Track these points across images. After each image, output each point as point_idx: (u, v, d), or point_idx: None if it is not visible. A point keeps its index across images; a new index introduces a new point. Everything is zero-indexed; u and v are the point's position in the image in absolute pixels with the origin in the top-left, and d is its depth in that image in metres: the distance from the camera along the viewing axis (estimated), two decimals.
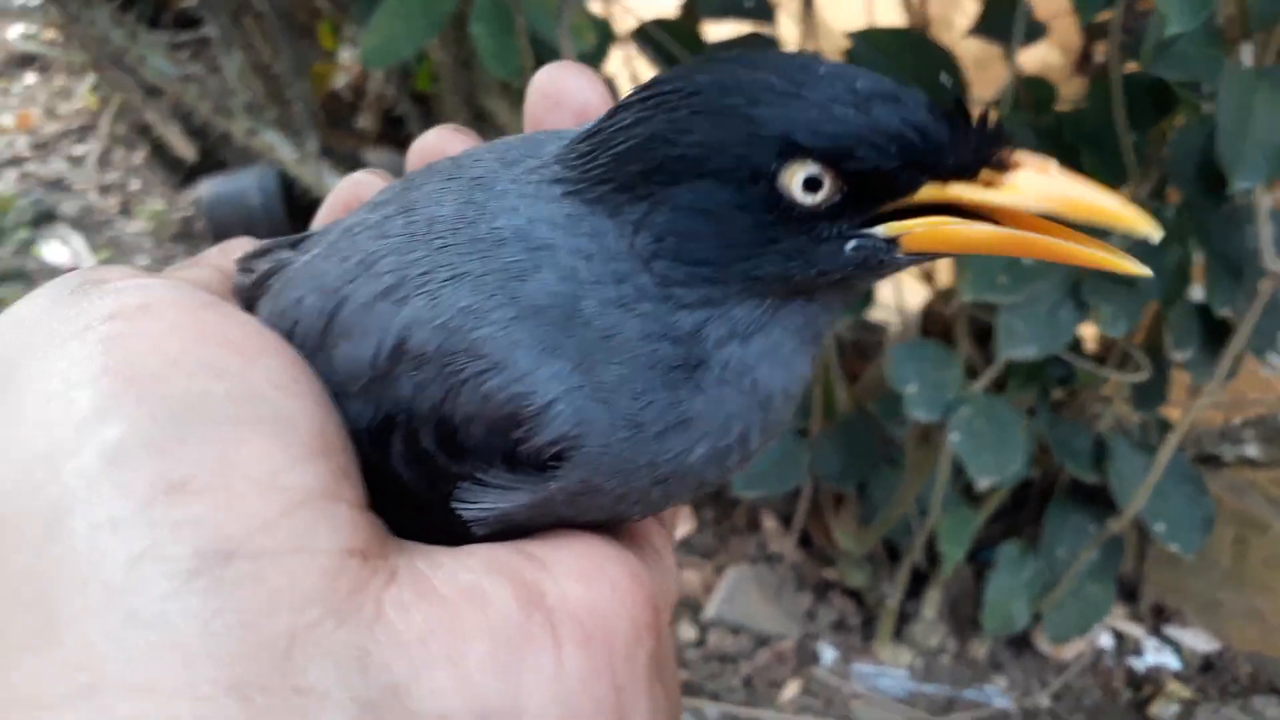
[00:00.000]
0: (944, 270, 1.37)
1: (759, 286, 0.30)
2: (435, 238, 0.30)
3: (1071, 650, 1.35)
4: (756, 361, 0.30)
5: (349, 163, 1.63)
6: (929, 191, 0.28)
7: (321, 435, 0.27)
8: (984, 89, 1.54)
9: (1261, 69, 0.87)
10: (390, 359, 0.29)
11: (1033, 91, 1.13)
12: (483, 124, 1.18)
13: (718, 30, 1.22)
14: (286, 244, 0.36)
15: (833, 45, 1.04)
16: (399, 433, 0.29)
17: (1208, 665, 1.42)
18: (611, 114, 0.31)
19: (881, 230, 0.29)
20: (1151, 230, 0.27)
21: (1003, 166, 0.28)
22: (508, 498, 0.30)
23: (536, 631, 0.26)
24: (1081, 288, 0.95)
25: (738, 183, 0.28)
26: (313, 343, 0.30)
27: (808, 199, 0.28)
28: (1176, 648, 1.43)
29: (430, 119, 1.23)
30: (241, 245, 0.38)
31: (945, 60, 1.01)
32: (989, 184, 0.28)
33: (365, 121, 1.41)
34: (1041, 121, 1.11)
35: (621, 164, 0.29)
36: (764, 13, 1.14)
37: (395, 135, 1.47)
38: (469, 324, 0.29)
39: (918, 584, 1.30)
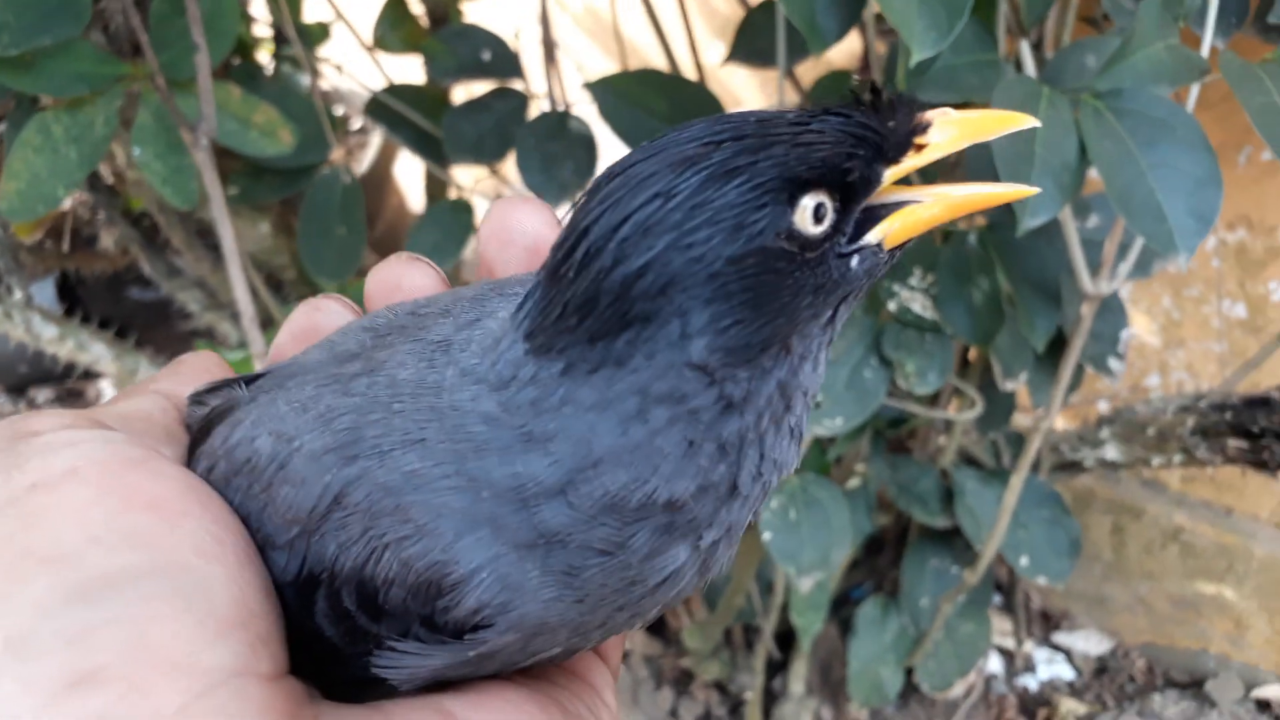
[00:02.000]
0: None
1: (787, 342, 0.29)
2: (394, 400, 0.29)
3: (961, 686, 1.24)
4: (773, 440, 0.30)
5: (114, 288, 1.42)
6: (888, 177, 0.29)
7: (240, 603, 0.26)
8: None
9: (1048, 74, 0.74)
10: (326, 511, 0.28)
11: (833, 90, 0.99)
12: (207, 238, 1.00)
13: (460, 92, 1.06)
14: (241, 380, 0.35)
15: (583, 96, 0.88)
16: (322, 590, 0.29)
17: (1102, 668, 1.32)
18: (565, 253, 0.27)
19: (873, 237, 0.29)
20: (1031, 121, 0.30)
21: (924, 129, 0.29)
22: (425, 662, 0.28)
23: None
24: (882, 341, 0.81)
25: (757, 250, 0.27)
26: (260, 485, 0.30)
27: (818, 229, 0.28)
28: (1068, 655, 1.33)
29: (156, 237, 1.05)
30: (200, 363, 0.37)
31: (701, 95, 0.86)
32: (920, 148, 0.29)
33: (108, 241, 1.21)
34: None
35: (624, 298, 0.26)
36: (508, 68, 0.98)
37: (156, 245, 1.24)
38: (407, 487, 0.28)
39: (786, 651, 1.17)
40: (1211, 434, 1.04)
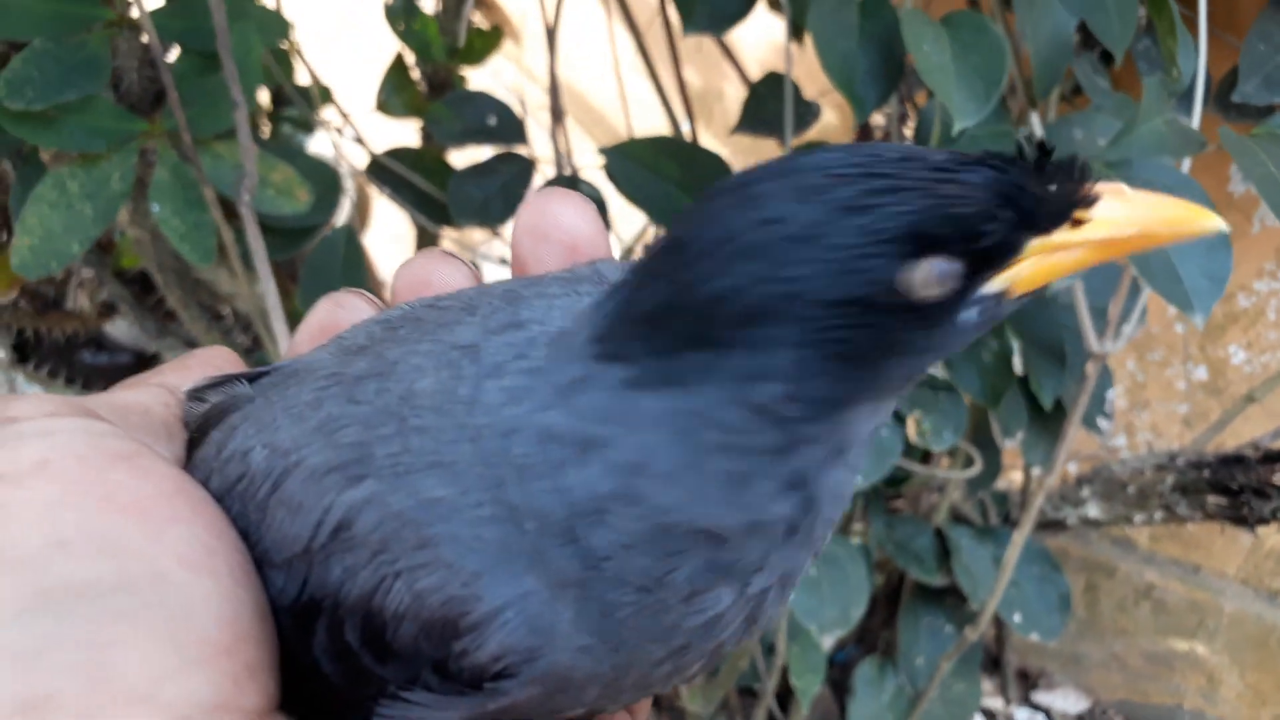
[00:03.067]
0: None
1: (873, 396, 0.26)
2: (412, 414, 0.26)
3: None
4: (839, 481, 0.27)
5: (67, 350, 1.38)
6: (1034, 246, 0.25)
7: (231, 624, 0.23)
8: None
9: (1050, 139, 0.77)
10: (328, 540, 0.25)
11: None
12: (200, 292, 0.98)
13: (463, 156, 1.06)
14: (247, 376, 0.31)
15: (591, 162, 0.89)
16: (323, 620, 0.25)
17: None
18: (659, 258, 0.25)
19: (996, 285, 0.25)
20: (1220, 224, 0.26)
21: (1088, 203, 0.25)
22: (435, 715, 0.25)
23: None
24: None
25: (857, 302, 0.24)
26: (255, 505, 0.26)
27: (936, 292, 0.24)
28: (1048, 714, 1.34)
29: (145, 297, 1.02)
30: (211, 358, 0.33)
31: (714, 162, 0.88)
32: (1078, 222, 0.25)
33: (82, 300, 1.18)
34: None
35: (706, 317, 0.24)
36: (514, 133, 0.99)
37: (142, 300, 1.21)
38: (430, 518, 0.24)
39: (782, 716, 1.16)
40: (1191, 491, 1.08)
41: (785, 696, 1.16)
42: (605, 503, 0.24)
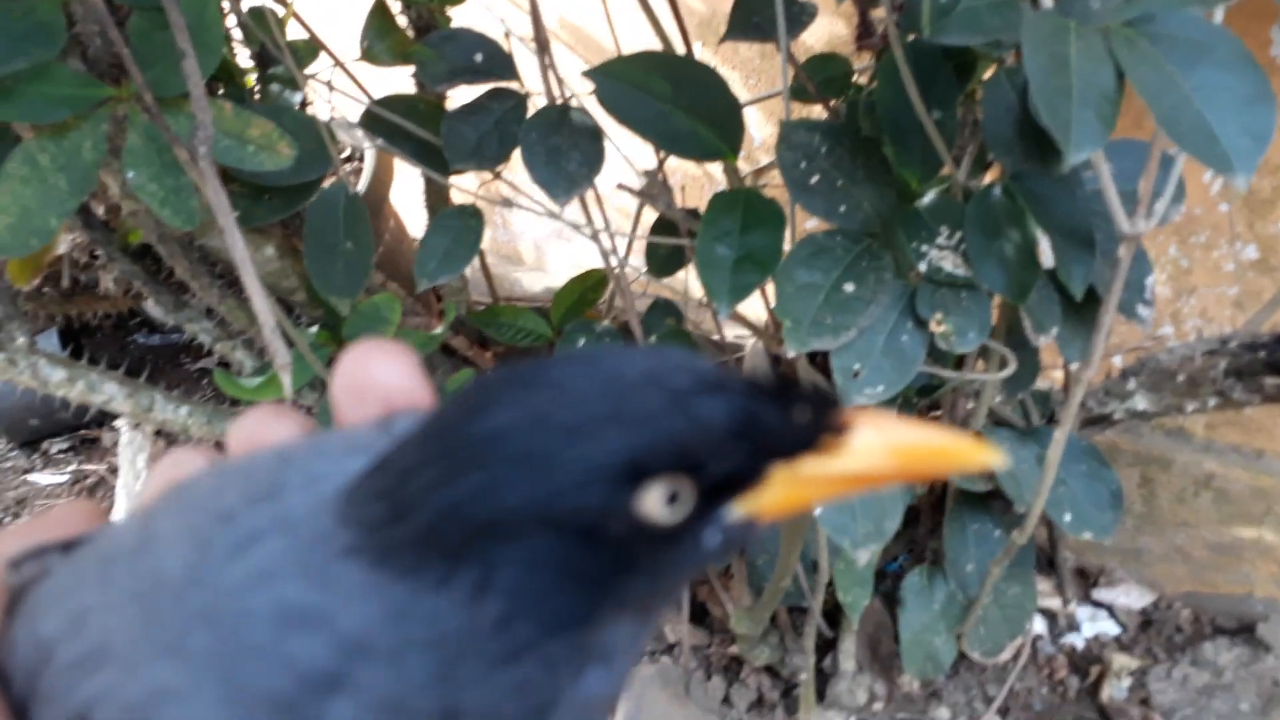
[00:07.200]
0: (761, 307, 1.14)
1: (618, 612, 0.24)
2: (157, 595, 0.24)
3: (1009, 649, 1.17)
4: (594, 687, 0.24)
5: (118, 334, 1.36)
6: (778, 473, 0.23)
7: None
8: (770, 81, 1.34)
9: (1062, 7, 0.67)
10: None
11: (819, 71, 0.92)
12: (211, 266, 0.93)
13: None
14: (59, 547, 0.29)
15: (585, 90, 0.82)
16: None
17: (1147, 621, 1.25)
18: (404, 465, 0.23)
19: (739, 512, 0.23)
20: (996, 458, 0.23)
21: (839, 430, 0.23)
22: None
23: None
24: (916, 302, 0.74)
25: (584, 526, 0.22)
26: (28, 694, 0.25)
27: (668, 516, 0.22)
28: (1110, 610, 1.26)
29: (157, 276, 0.98)
30: (66, 516, 0.30)
31: (706, 76, 0.79)
32: (829, 450, 0.23)
33: (109, 282, 1.14)
34: (834, 118, 0.91)
35: (436, 529, 0.22)
36: (502, 68, 0.91)
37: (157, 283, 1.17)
38: (155, 703, 0.22)
39: (833, 630, 1.10)
40: (1247, 374, 0.98)
41: (837, 611, 1.10)
42: (335, 672, 0.23)
